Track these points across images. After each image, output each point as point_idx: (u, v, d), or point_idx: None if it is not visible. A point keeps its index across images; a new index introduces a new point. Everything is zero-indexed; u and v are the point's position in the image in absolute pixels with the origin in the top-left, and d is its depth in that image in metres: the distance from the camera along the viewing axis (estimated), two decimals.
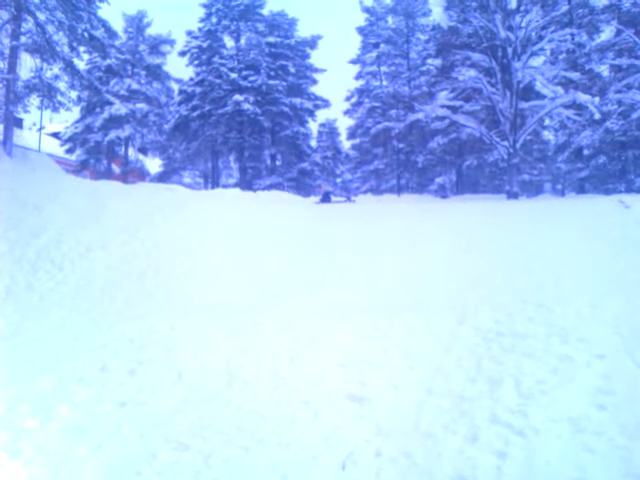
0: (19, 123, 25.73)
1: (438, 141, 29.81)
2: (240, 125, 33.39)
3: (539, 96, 23.90)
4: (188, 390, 5.90)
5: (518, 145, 23.24)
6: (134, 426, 5.22)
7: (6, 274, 10.55)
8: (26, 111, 22.93)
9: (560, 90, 21.89)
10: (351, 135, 40.14)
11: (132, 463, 4.66)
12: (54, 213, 13.55)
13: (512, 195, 22.80)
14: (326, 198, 22.91)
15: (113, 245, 12.20)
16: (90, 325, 8.02)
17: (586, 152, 27.08)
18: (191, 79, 34.25)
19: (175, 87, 34.65)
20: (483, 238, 12.07)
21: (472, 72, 23.84)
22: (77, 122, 29.32)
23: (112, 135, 28.00)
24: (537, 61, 24.81)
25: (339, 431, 5.00)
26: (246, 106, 31.74)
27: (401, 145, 35.47)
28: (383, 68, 38.35)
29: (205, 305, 9.02)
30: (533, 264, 9.88)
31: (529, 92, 24.47)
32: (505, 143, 23.36)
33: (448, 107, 25.36)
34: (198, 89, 33.40)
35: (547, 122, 27.66)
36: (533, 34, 23.26)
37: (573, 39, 24.80)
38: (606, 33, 25.70)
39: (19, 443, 5.02)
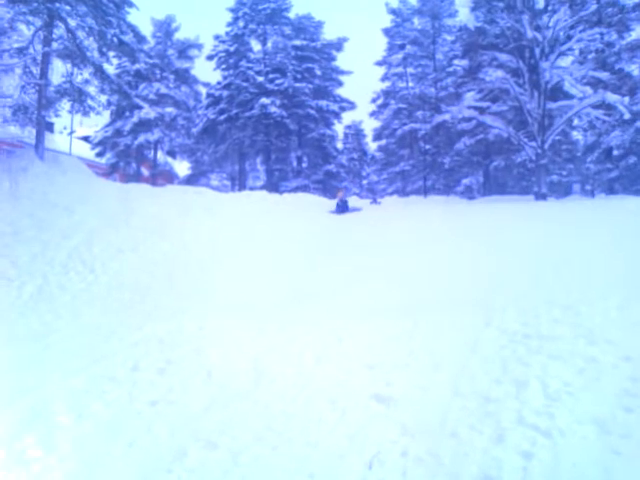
0: (50, 127, 26.23)
1: (465, 142, 29.61)
2: (267, 128, 33.62)
3: (567, 96, 23.62)
4: (217, 389, 6.00)
5: (546, 146, 23.00)
6: (165, 424, 5.33)
7: (39, 275, 10.82)
8: (57, 115, 23.36)
9: (589, 90, 21.63)
10: (377, 137, 40.07)
11: (163, 461, 4.76)
12: (85, 215, 13.84)
13: (540, 196, 22.58)
14: (342, 207, 19.97)
15: (143, 247, 12.44)
16: (121, 325, 8.19)
17: (616, 152, 26.69)
18: (218, 83, 34.58)
19: (203, 91, 35.03)
20: (510, 239, 12.01)
21: (499, 73, 23.67)
22: (107, 126, 29.84)
23: (141, 138, 28.42)
24: (565, 61, 24.50)
25: (365, 431, 5.04)
26: (273, 109, 31.95)
27: (427, 146, 35.32)
28: (409, 69, 38.23)
29: (232, 306, 9.14)
30: (561, 266, 9.80)
31: (557, 92, 24.19)
32: (533, 144, 23.14)
33: (475, 108, 25.22)
34: (225, 92, 33.72)
35: (576, 122, 27.30)
36: (561, 34, 23.02)
37: (602, 38, 24.42)
38: (637, 32, 25.30)
39: (54, 439, 5.18)
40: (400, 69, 38.35)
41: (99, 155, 30.53)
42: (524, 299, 8.14)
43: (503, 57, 23.98)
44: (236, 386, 6.07)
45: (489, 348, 6.53)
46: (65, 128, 34.49)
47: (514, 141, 24.51)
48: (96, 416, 5.57)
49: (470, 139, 29.34)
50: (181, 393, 5.95)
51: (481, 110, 25.41)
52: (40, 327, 8.56)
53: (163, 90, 30.22)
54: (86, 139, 33.48)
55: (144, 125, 28.53)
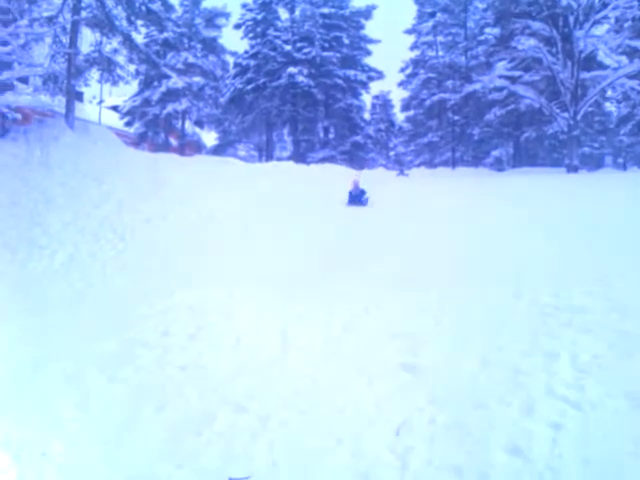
0: (80, 97, 26.43)
1: (495, 113, 29.07)
2: (294, 98, 33.40)
3: (602, 66, 23.02)
4: (246, 355, 6.08)
5: (579, 117, 22.50)
6: (194, 389, 5.44)
7: (70, 243, 11.00)
8: (87, 85, 23.54)
9: (624, 60, 21.02)
10: (405, 107, 39.52)
11: (193, 424, 4.87)
12: (115, 185, 13.99)
13: (572, 168, 22.16)
14: (357, 198, 15.34)
15: (172, 216, 12.53)
16: (151, 292, 8.29)
17: None
18: (246, 52, 34.34)
19: (230, 60, 34.83)
20: (541, 212, 11.83)
21: (532, 41, 23.09)
22: (135, 95, 29.95)
23: (169, 108, 28.47)
24: (600, 30, 23.79)
25: (393, 399, 5.08)
26: (300, 78, 31.69)
27: (456, 117, 34.77)
28: (439, 38, 37.44)
29: (260, 275, 9.17)
30: (593, 238, 9.63)
31: (591, 62, 23.56)
32: (565, 115, 22.64)
33: (506, 77, 24.71)
34: (252, 62, 33.50)
35: (609, 93, 26.60)
36: (596, 1, 22.30)
37: None
38: None
39: (88, 402, 5.32)
40: (430, 38, 37.58)
41: (128, 125, 30.70)
42: (555, 271, 8.04)
43: (536, 25, 23.35)
44: (264, 353, 6.13)
45: (518, 320, 6.49)
46: (94, 97, 34.78)
47: (546, 112, 24.01)
48: (127, 380, 5.70)
49: (501, 110, 28.80)
50: (210, 358, 6.04)
51: (513, 80, 24.89)
52: (72, 294, 8.73)
53: (191, 59, 30.13)
54: (115, 109, 33.64)
55: (172, 95, 28.53)
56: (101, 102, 31.31)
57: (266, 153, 35.80)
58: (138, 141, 29.48)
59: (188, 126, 31.66)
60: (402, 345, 6.10)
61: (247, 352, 6.15)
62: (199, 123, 34.05)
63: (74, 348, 6.46)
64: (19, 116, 15.90)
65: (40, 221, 11.77)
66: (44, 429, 4.90)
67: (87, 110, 24.98)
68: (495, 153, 31.82)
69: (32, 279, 9.43)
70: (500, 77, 24.53)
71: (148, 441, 4.68)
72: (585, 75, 22.46)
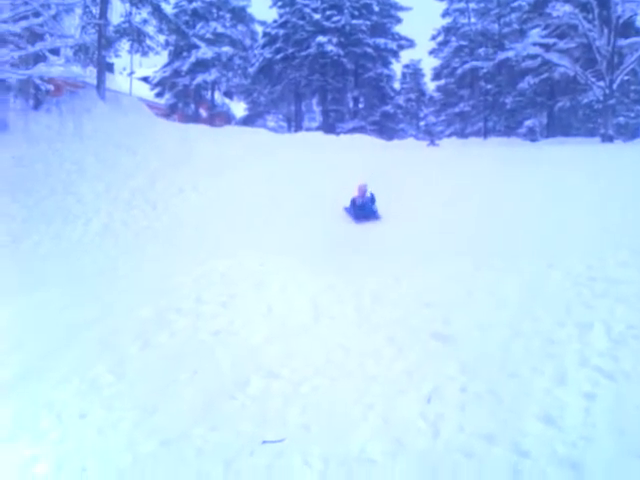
0: (110, 68, 26.56)
1: (529, 81, 28.36)
2: (323, 67, 33.04)
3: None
4: (277, 323, 6.16)
5: (615, 85, 21.84)
6: (227, 354, 5.53)
7: (104, 213, 11.19)
8: (117, 56, 23.71)
9: None
10: (436, 76, 38.80)
11: (226, 388, 4.96)
12: (147, 155, 14.11)
13: (607, 138, 21.60)
14: (362, 210, 11.11)
15: (203, 186, 12.61)
16: (184, 260, 8.41)
17: None
18: (274, 21, 33.95)
19: (259, 30, 34.51)
20: (576, 182, 11.58)
21: (567, 7, 22.30)
22: (165, 66, 29.94)
23: (199, 79, 28.43)
24: None
25: (423, 367, 5.10)
26: (329, 48, 31.29)
27: (489, 86, 34.02)
28: (471, 5, 36.42)
29: (290, 246, 9.22)
30: (628, 209, 9.43)
31: (629, 28, 22.74)
32: (601, 83, 22.01)
33: (540, 45, 24.04)
34: (281, 31, 33.14)
35: None
36: None
37: None
38: None
39: (124, 367, 5.45)
40: (462, 4, 36.62)
41: (158, 96, 30.78)
42: (590, 242, 7.92)
43: None
44: (295, 321, 6.21)
45: (552, 290, 6.43)
46: (125, 69, 34.88)
47: (581, 80, 23.36)
48: (162, 345, 5.82)
49: (534, 78, 28.08)
50: (243, 325, 6.13)
51: (547, 47, 24.20)
52: (106, 262, 8.91)
53: (220, 29, 29.91)
54: (145, 80, 33.74)
55: (201, 65, 28.46)
56: (132, 73, 31.39)
57: (295, 124, 35.63)
58: (168, 112, 29.55)
59: (217, 97, 31.59)
60: (433, 314, 6.11)
61: (278, 320, 6.23)
62: (228, 94, 33.98)
63: (109, 315, 6.62)
64: (52, 87, 16.06)
65: (74, 191, 11.97)
66: (83, 392, 5.06)
67: (118, 81, 25.11)
68: (528, 123, 31.11)
69: (67, 248, 9.63)
70: (534, 45, 23.87)
71: (182, 405, 4.79)
72: (622, 42, 21.70)
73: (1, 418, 4.72)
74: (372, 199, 11.07)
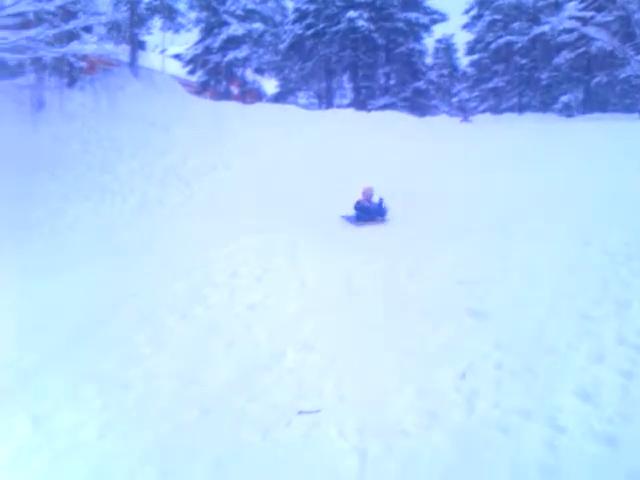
0: (143, 45, 26.62)
1: (565, 56, 27.65)
2: (354, 43, 32.66)
3: None
4: (311, 297, 6.21)
5: None
6: (263, 327, 5.62)
7: (139, 190, 11.34)
8: (149, 33, 23.77)
9: None
10: (469, 51, 38.04)
11: (262, 360, 5.05)
12: (180, 133, 14.23)
13: None
14: (371, 211, 9.89)
15: (235, 164, 12.68)
16: (218, 236, 8.49)
17: None
18: None
19: (289, 5, 34.21)
20: (613, 159, 11.34)
21: None
22: (197, 43, 29.91)
23: (230, 56, 28.37)
24: None
25: (458, 343, 5.10)
26: (360, 23, 30.87)
27: (523, 61, 33.27)
28: None
29: (323, 222, 9.25)
30: None
31: None
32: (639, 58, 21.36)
33: (577, 18, 23.39)
34: (312, 7, 32.79)
35: None
36: None
37: None
38: None
39: (162, 339, 5.58)
40: None
41: (190, 73, 30.81)
42: (629, 219, 7.76)
43: None
44: (329, 295, 6.25)
45: (589, 268, 6.33)
46: (157, 46, 34.99)
47: (619, 55, 22.72)
48: (198, 318, 5.93)
49: (570, 53, 27.37)
50: (277, 299, 6.21)
51: (584, 21, 23.55)
52: (143, 238, 9.05)
53: (250, 5, 29.74)
54: (177, 57, 33.82)
55: (232, 42, 28.39)
56: (164, 51, 31.48)
57: (326, 100, 35.40)
58: (200, 90, 29.60)
59: (249, 74, 31.50)
60: (467, 290, 6.09)
61: (312, 294, 6.28)
62: (259, 71, 33.85)
63: (148, 288, 6.76)
64: (86, 65, 16.24)
65: (110, 169, 12.15)
66: (124, 363, 5.21)
67: (150, 59, 25.17)
68: (564, 99, 30.42)
69: (106, 224, 9.80)
70: (570, 18, 23.25)
71: (220, 376, 4.89)
72: None
73: (48, 386, 4.90)
74: (380, 204, 9.93)
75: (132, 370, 5.06)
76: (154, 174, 12.14)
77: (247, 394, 4.58)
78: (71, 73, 15.91)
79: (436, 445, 3.86)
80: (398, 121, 20.17)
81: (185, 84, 23.16)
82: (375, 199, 9.90)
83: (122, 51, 17.96)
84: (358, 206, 9.86)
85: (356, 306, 5.98)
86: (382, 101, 32.82)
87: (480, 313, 5.56)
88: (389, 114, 22.71)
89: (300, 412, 4.26)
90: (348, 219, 9.87)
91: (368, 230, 8.85)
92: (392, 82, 36.09)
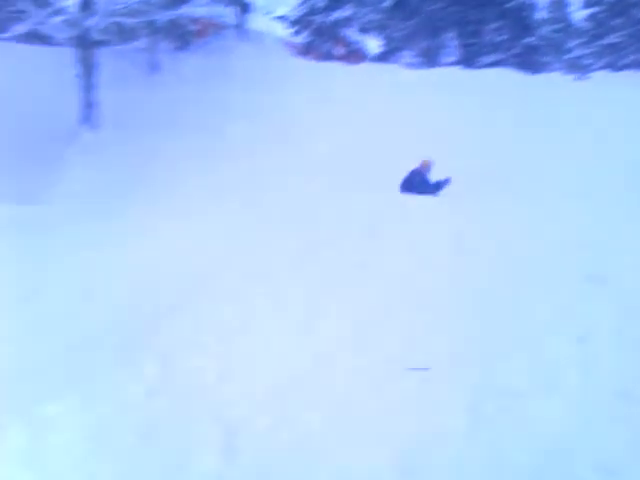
0: (249, 8, 26.95)
1: None
2: None
3: None
4: (421, 256, 6.17)
5: None
6: (374, 284, 5.68)
7: (249, 153, 11.60)
8: None
9: None
10: (585, 4, 35.59)
11: (376, 317, 5.11)
12: (286, 94, 14.39)
13: None
14: (422, 184, 9.47)
15: (344, 125, 12.66)
16: (330, 193, 8.64)
17: None
18: None
19: None
20: None
21: None
22: (301, 4, 29.90)
23: (334, 16, 28.20)
24: None
25: (576, 307, 4.97)
26: None
27: None
28: None
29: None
30: None
31: None
32: None
33: None
34: None
35: None
36: None
37: None
38: None
39: (275, 292, 5.77)
40: None
41: (295, 34, 30.95)
42: None
43: None
44: (439, 255, 6.19)
45: None
46: (263, 8, 35.31)
47: None
48: (311, 273, 6.08)
49: None
50: (387, 257, 6.22)
51: None
52: (257, 200, 9.20)
53: None
54: (282, 19, 34.00)
55: (337, 2, 28.17)
56: (269, 12, 31.73)
57: (431, 59, 34.45)
58: (305, 51, 29.69)
59: (352, 34, 31.21)
60: (587, 255, 5.86)
61: (422, 254, 6.24)
62: (363, 30, 33.34)
63: (264, 245, 6.97)
64: (197, 28, 16.69)
65: (220, 130, 12.51)
66: (241, 312, 5.46)
67: (257, 21, 25.45)
68: None
69: (219, 187, 10.04)
70: None
71: (332, 329, 5.01)
72: None
73: (173, 332, 5.24)
74: (441, 184, 9.43)
75: (248, 320, 5.29)
76: (263, 136, 12.38)
77: (359, 348, 4.66)
78: (184, 36, 16.42)
79: (551, 409, 3.80)
80: (507, 79, 19.36)
81: (290, 45, 23.28)
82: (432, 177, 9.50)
83: (230, 14, 18.30)
84: (413, 176, 9.49)
85: (467, 267, 5.90)
86: (490, 58, 31.50)
87: (599, 278, 5.37)
88: (498, 71, 21.84)
89: (409, 369, 4.31)
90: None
91: (478, 187, 8.60)
92: (501, 38, 34.49)
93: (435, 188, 9.37)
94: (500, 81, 18.72)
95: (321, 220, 7.49)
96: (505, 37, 34.16)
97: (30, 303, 5.81)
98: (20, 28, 12.67)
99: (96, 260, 6.72)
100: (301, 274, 6.12)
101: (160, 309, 5.76)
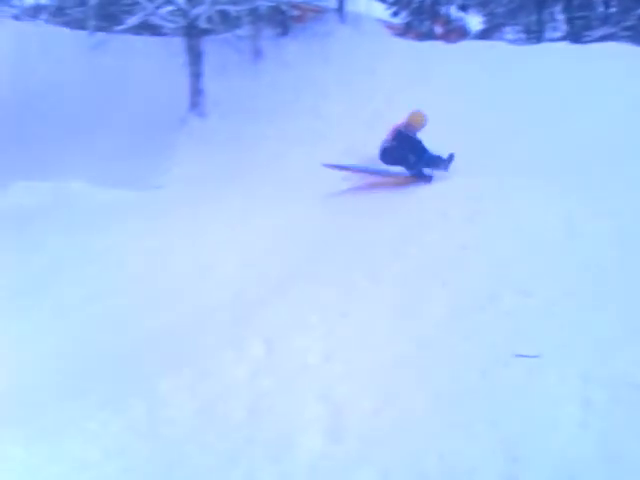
0: None
1: None
2: None
3: None
4: (527, 239, 5.97)
5: None
6: (475, 268, 5.60)
7: (346, 135, 11.64)
8: None
9: None
10: None
11: (476, 301, 5.05)
12: (384, 76, 14.28)
13: None
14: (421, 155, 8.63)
15: (438, 106, 12.34)
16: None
17: None
18: None
19: None
20: None
21: None
22: None
23: None
24: None
25: None
26: None
27: None
28: None
29: (532, 163, 8.78)
30: None
31: None
32: None
33: None
34: None
35: None
36: None
37: None
38: None
39: (378, 275, 5.85)
40: None
41: (394, 15, 30.57)
42: None
43: None
44: (546, 237, 5.97)
45: None
46: None
47: None
48: (412, 256, 6.08)
49: None
50: (490, 240, 6.08)
51: None
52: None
53: None
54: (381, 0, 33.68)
55: None
56: None
57: (536, 35, 32.93)
58: (404, 31, 29.26)
59: (453, 11, 30.41)
60: None
61: (528, 237, 6.03)
62: (463, 7, 32.37)
63: (360, 227, 7.05)
64: (297, 13, 16.87)
65: (320, 114, 12.66)
66: (342, 294, 5.58)
67: (356, 3, 25.33)
68: None
69: (319, 171, 10.13)
70: None
71: (434, 313, 5.01)
72: None
73: (277, 314, 5.43)
74: (441, 160, 8.49)
75: (351, 302, 5.40)
76: (360, 117, 12.39)
77: (462, 333, 4.64)
78: (285, 22, 16.67)
79: None
80: (620, 54, 18.18)
81: (389, 26, 23.01)
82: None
83: None
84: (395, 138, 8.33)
85: (576, 249, 5.68)
86: (600, 32, 29.66)
87: None
88: (609, 46, 20.55)
89: (518, 355, 4.23)
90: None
91: (590, 165, 8.12)
92: (612, 10, 32.45)
93: (442, 162, 8.32)
94: (613, 57, 17.63)
95: (423, 202, 7.44)
96: (616, 9, 32.11)
97: (148, 280, 6.22)
98: (133, 20, 13.41)
99: (207, 242, 7.07)
100: (401, 257, 6.13)
101: (265, 291, 5.99)
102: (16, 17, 16.67)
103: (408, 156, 8.32)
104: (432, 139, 10.09)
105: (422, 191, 7.81)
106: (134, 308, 5.91)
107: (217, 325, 5.53)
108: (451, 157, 8.50)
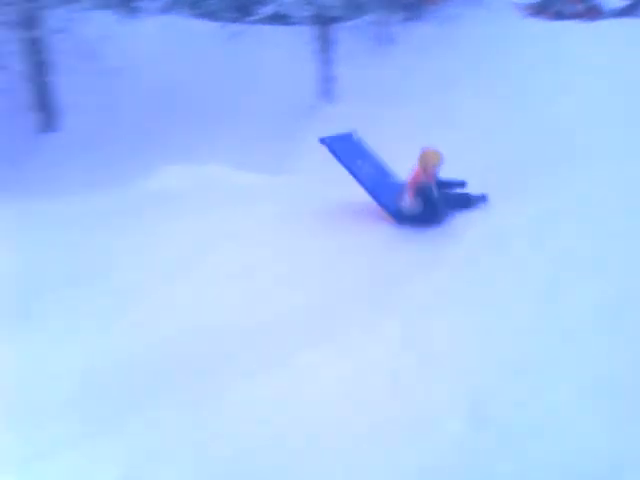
0: None
1: None
2: None
3: None
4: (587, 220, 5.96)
5: None
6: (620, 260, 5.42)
7: (476, 116, 11.44)
8: None
9: None
10: None
11: (624, 293, 4.87)
12: (517, 57, 13.92)
13: None
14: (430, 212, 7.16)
15: (574, 88, 11.80)
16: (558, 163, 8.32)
17: None
18: None
19: None
20: None
21: None
22: None
23: None
24: None
25: None
26: None
27: None
28: None
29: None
30: None
31: None
32: None
33: None
34: None
35: None
36: None
37: None
38: None
39: (516, 265, 5.79)
40: None
41: None
42: None
43: None
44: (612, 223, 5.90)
45: None
46: None
47: None
48: (550, 246, 5.97)
49: None
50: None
51: None
52: (487, 162, 9.28)
53: None
54: None
55: None
56: None
57: None
58: (538, 10, 28.00)
59: None
60: None
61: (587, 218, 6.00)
62: None
63: (501, 210, 7.08)
64: None
65: (448, 97, 12.52)
66: (480, 280, 5.62)
67: None
68: None
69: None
70: None
71: (576, 305, 4.85)
72: None
73: (415, 292, 5.57)
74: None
75: (487, 289, 5.41)
76: (492, 99, 12.14)
77: (612, 326, 4.46)
78: (413, 6, 16.63)
79: None
80: None
81: (521, 7, 22.19)
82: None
83: None
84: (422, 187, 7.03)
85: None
86: None
87: None
88: None
89: None
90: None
91: None
92: None
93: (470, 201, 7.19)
94: None
95: (560, 187, 7.27)
96: None
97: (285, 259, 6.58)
98: (264, 10, 13.98)
99: (337, 226, 7.36)
100: (543, 244, 6.04)
101: (401, 272, 6.14)
102: (162, 11, 17.87)
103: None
104: (570, 126, 9.74)
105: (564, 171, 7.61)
106: (275, 284, 6.18)
107: (358, 301, 5.64)
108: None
